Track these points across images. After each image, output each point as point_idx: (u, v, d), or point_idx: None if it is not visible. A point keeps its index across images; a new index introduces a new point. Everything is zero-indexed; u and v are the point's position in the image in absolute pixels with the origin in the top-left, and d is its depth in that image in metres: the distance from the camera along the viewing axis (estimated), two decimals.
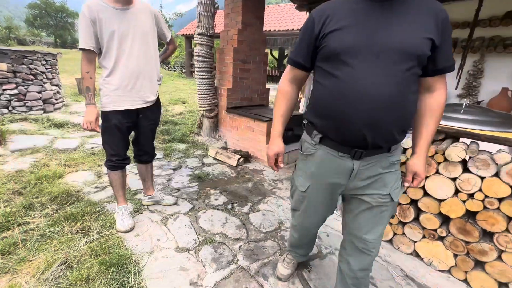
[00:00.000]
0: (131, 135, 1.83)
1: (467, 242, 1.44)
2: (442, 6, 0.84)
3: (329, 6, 0.90)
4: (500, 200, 1.32)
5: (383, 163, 0.95)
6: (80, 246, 1.56)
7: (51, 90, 4.08)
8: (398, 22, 0.82)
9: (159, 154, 3.15)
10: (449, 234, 1.50)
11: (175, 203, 2.15)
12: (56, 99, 4.24)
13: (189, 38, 13.72)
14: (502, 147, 1.42)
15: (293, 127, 3.38)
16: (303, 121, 1.08)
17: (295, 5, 4.91)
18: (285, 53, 16.43)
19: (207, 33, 3.38)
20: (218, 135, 3.93)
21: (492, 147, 1.43)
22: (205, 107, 3.68)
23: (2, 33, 28.53)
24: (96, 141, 3.29)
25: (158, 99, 1.84)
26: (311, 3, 4.65)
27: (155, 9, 1.72)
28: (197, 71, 3.52)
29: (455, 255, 1.50)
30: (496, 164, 1.33)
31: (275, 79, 14.71)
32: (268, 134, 3.10)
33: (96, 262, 1.44)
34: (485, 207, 1.36)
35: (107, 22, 1.50)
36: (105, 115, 1.66)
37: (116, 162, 1.74)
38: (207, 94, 3.62)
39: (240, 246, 1.72)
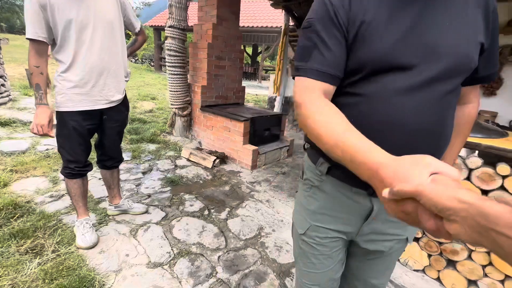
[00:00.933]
0: (93, 137, 1.61)
1: (440, 243, 1.50)
2: None
3: None
4: None
5: None
6: (31, 269, 1.34)
7: None
8: (444, 17, 0.58)
9: (126, 156, 2.89)
10: (424, 235, 1.56)
11: (146, 212, 1.97)
12: (1, 93, 3.69)
13: (158, 29, 13.01)
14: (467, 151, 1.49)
15: (270, 127, 3.33)
16: (304, 145, 0.81)
17: (270, 1, 4.85)
18: (259, 50, 16.37)
19: (180, 26, 3.16)
20: (191, 135, 3.74)
21: (462, 152, 1.50)
22: (177, 105, 3.47)
23: None
24: (52, 142, 2.92)
25: (125, 98, 1.65)
26: (287, 1, 4.62)
27: None
28: (168, 66, 3.29)
29: (429, 255, 1.56)
30: (468, 168, 1.39)
31: (249, 76, 14.60)
32: (245, 134, 3.01)
33: None
34: None
35: (61, 9, 1.28)
36: (61, 116, 1.44)
37: (75, 170, 1.52)
38: (180, 91, 3.41)
39: (219, 257, 1.62)
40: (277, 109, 5.44)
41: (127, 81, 1.63)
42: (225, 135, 3.22)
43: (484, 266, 1.39)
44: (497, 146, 1.37)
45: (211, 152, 3.14)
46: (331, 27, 0.59)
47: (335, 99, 0.65)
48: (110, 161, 1.73)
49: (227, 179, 2.73)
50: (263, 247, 1.76)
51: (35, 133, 1.35)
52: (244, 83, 5.90)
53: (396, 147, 0.56)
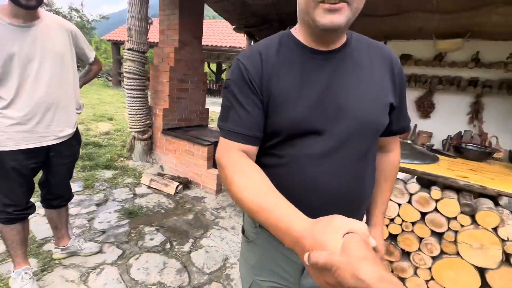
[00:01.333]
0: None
1: (391, 262, 1.64)
2: (392, 52, 0.70)
3: (261, 50, 0.63)
4: (413, 223, 1.55)
5: None
6: None
7: None
8: (353, 82, 0.62)
9: (78, 186, 2.65)
10: None
11: (99, 251, 1.81)
12: None
13: (117, 44, 12.48)
14: (407, 176, 1.70)
15: None
16: None
17: (233, 26, 5.03)
18: (223, 67, 16.63)
19: (139, 49, 3.10)
20: (152, 159, 3.59)
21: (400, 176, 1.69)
22: (137, 128, 3.32)
23: None
24: None
25: (77, 131, 1.55)
26: (248, 27, 4.84)
27: (72, 25, 1.46)
28: (127, 89, 3.17)
29: None
30: (409, 193, 1.57)
31: (214, 92, 14.67)
32: (209, 158, 2.99)
33: None
34: (403, 230, 1.58)
35: (2, 43, 1.18)
36: None
37: (14, 214, 1.36)
38: (140, 114, 3.28)
39: None
40: None
41: (79, 113, 1.54)
42: (188, 159, 3.16)
43: (427, 281, 1.55)
44: (430, 172, 1.57)
45: (173, 178, 3.03)
46: (247, 90, 0.61)
47: (259, 159, 0.67)
48: (57, 200, 1.57)
49: (190, 206, 2.65)
50: (228, 279, 1.72)
51: None
52: (209, 99, 5.90)
53: (316, 210, 0.58)
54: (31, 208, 1.44)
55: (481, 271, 1.35)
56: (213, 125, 5.99)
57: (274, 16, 4.32)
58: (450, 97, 3.53)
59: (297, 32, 0.64)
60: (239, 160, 0.59)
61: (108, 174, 3.05)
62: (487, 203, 1.40)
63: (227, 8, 4.27)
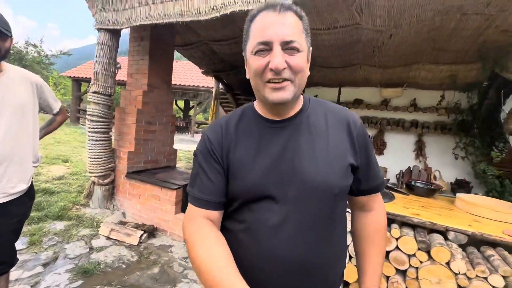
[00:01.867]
0: None
1: None
2: (351, 114, 0.72)
3: (223, 123, 0.72)
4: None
5: None
6: None
7: None
8: (308, 147, 0.65)
9: (20, 243, 2.30)
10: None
11: None
12: None
13: (77, 80, 12.06)
14: None
15: None
16: None
17: (202, 70, 5.28)
18: (191, 105, 16.80)
19: (106, 93, 3.06)
20: (113, 205, 3.32)
21: None
22: (98, 172, 3.11)
23: None
24: None
25: (31, 186, 1.42)
26: (217, 71, 5.13)
27: (38, 77, 1.43)
28: (90, 132, 3.02)
29: None
30: None
31: (181, 129, 14.54)
32: (177, 203, 2.87)
33: None
34: None
35: None
36: None
37: None
38: (102, 157, 3.11)
39: None
40: None
41: (35, 167, 1.43)
42: (155, 205, 2.99)
43: None
44: (389, 211, 1.72)
45: (137, 226, 2.81)
46: (210, 159, 0.68)
47: (224, 223, 0.70)
48: None
49: (156, 257, 2.45)
50: None
51: None
52: (176, 137, 5.80)
53: (274, 280, 0.62)
54: None
55: None
56: (180, 165, 5.85)
57: (241, 63, 4.66)
58: (398, 136, 4.01)
59: (257, 105, 0.73)
60: (200, 228, 0.64)
61: (59, 225, 2.71)
62: (438, 238, 1.55)
63: (196, 54, 4.53)
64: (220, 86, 5.68)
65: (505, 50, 2.65)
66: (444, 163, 3.65)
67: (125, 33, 3.27)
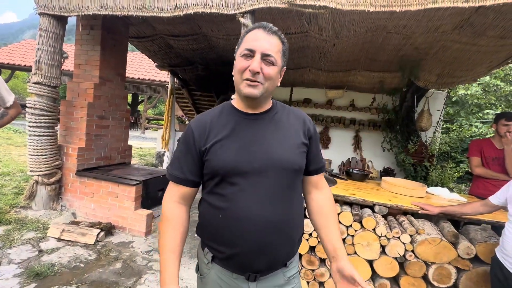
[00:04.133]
0: None
1: (312, 270, 2.00)
2: (306, 115, 0.95)
3: (206, 118, 0.89)
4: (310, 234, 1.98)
5: (280, 281, 0.87)
6: None
7: None
8: (273, 135, 0.84)
9: None
10: (302, 267, 2.03)
11: None
12: None
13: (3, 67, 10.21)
14: None
15: (164, 186, 3.29)
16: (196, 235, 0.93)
17: (156, 64, 5.13)
18: (139, 99, 15.74)
19: (51, 84, 2.81)
20: (61, 206, 3.08)
21: None
22: (41, 171, 2.85)
23: None
24: None
25: None
26: (173, 66, 5.06)
27: None
28: (31, 127, 2.75)
29: (308, 282, 2.02)
30: None
31: (130, 125, 13.54)
32: (137, 199, 2.84)
33: None
34: (318, 242, 1.98)
35: None
36: None
37: None
38: (47, 154, 2.85)
39: None
40: (166, 164, 5.38)
41: None
42: (112, 202, 2.90)
43: None
44: (332, 193, 2.08)
45: (93, 225, 2.70)
46: (189, 147, 0.86)
47: (208, 198, 0.86)
48: None
49: (117, 253, 2.42)
50: None
51: None
52: None
53: (252, 238, 0.78)
54: None
55: (371, 263, 1.85)
56: (134, 162, 5.58)
57: (198, 59, 4.71)
58: (340, 132, 4.61)
59: (235, 101, 0.91)
60: (172, 206, 0.89)
61: None
62: (368, 211, 1.97)
63: (151, 48, 4.40)
64: (175, 81, 5.58)
65: (417, 63, 3.34)
66: (375, 155, 4.35)
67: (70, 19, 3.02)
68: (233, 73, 0.85)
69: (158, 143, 5.78)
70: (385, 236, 1.82)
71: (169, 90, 5.39)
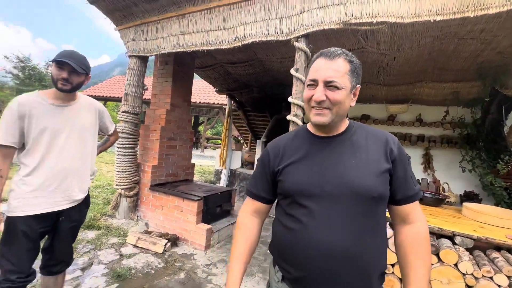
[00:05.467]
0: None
1: None
2: (390, 135, 0.85)
3: (281, 141, 0.94)
4: (392, 265, 1.78)
5: None
6: None
7: None
8: (349, 158, 0.80)
9: None
10: None
11: None
12: None
13: (98, 99, 12.66)
14: None
15: (221, 203, 3.48)
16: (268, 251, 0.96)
17: (216, 88, 5.61)
18: (200, 120, 17.29)
19: (134, 111, 3.37)
20: (137, 216, 3.53)
21: None
22: (124, 185, 3.35)
23: None
24: None
25: (87, 195, 1.66)
26: (230, 90, 5.46)
27: (100, 104, 1.71)
28: (118, 148, 3.30)
29: None
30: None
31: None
32: (198, 213, 3.06)
33: None
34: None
35: (38, 119, 1.38)
36: (12, 222, 1.36)
37: (17, 282, 1.35)
38: (129, 171, 3.36)
39: None
40: (223, 181, 5.68)
41: (92, 179, 1.68)
42: (177, 215, 3.19)
43: None
44: None
45: (161, 235, 3.01)
46: (264, 167, 0.94)
47: (280, 218, 0.88)
48: (59, 265, 1.57)
49: (181, 264, 2.62)
50: None
51: None
52: None
53: (321, 265, 0.74)
54: (32, 275, 1.43)
55: None
56: (195, 178, 6.07)
57: (254, 82, 5.00)
58: (406, 150, 4.16)
59: (309, 126, 0.93)
60: (245, 217, 0.99)
61: (91, 234, 2.93)
62: (446, 242, 1.70)
63: (212, 75, 4.87)
64: (232, 103, 6.00)
65: (503, 69, 2.86)
66: (453, 176, 3.76)
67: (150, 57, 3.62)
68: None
69: (216, 161, 6.18)
70: (472, 274, 1.53)
71: (226, 112, 5.81)
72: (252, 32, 2.38)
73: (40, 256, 1.52)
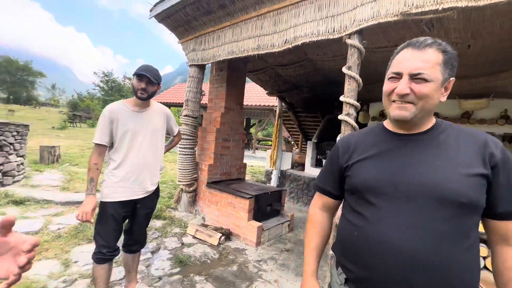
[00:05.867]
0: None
1: None
2: (491, 137, 0.73)
3: (353, 137, 0.90)
4: None
5: None
6: None
7: (15, 161, 3.78)
8: (433, 159, 0.71)
9: None
10: None
11: None
12: (18, 171, 3.89)
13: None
14: None
15: (272, 202, 3.56)
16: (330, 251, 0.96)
17: (267, 91, 5.74)
18: (251, 122, 17.82)
19: (193, 115, 3.72)
20: (195, 210, 3.88)
21: None
22: (185, 181, 3.73)
23: None
24: (63, 221, 3.00)
25: (157, 188, 1.92)
26: (281, 92, 5.51)
27: (168, 109, 1.98)
28: (181, 148, 3.70)
29: None
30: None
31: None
32: (250, 211, 3.20)
33: None
34: None
35: (123, 122, 1.68)
36: (103, 206, 1.68)
37: (107, 255, 1.66)
38: (188, 169, 3.73)
39: None
40: (273, 181, 5.77)
41: (160, 173, 1.94)
42: (230, 211, 3.39)
43: None
44: None
45: (216, 229, 3.24)
46: (332, 162, 0.93)
47: (346, 215, 0.86)
48: (136, 245, 1.87)
49: (233, 257, 2.79)
50: None
51: (79, 219, 1.55)
52: None
53: (394, 270, 0.67)
54: (117, 251, 1.74)
55: None
56: (247, 178, 6.32)
57: (304, 83, 4.96)
58: None
59: (387, 122, 0.86)
60: (315, 212, 1.01)
61: (158, 223, 3.36)
62: None
63: (263, 78, 5.01)
64: (283, 105, 6.05)
65: None
66: None
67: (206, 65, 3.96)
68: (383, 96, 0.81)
69: (266, 162, 6.32)
70: None
71: (277, 113, 5.89)
72: (302, 33, 2.40)
73: (122, 237, 1.84)
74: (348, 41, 2.10)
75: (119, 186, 1.68)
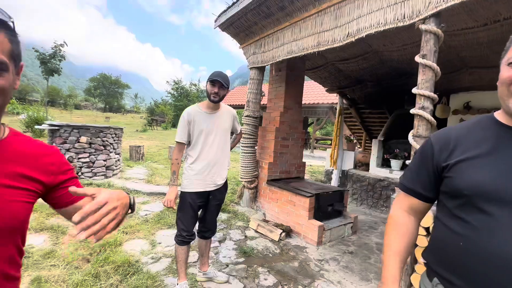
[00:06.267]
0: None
1: None
2: None
3: (453, 131, 0.76)
4: None
5: None
6: None
7: (114, 158, 4.68)
8: None
9: None
10: None
11: (227, 281, 2.18)
12: (116, 166, 4.80)
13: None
14: None
15: (333, 202, 3.45)
16: (422, 260, 0.85)
17: (326, 88, 5.57)
18: (309, 121, 17.44)
19: (254, 115, 3.91)
20: (256, 206, 4.06)
21: None
22: (247, 178, 3.95)
23: (65, 99, 35.15)
24: (149, 208, 3.56)
25: (226, 181, 2.12)
26: (341, 88, 5.27)
27: (234, 111, 2.16)
28: (243, 146, 3.93)
29: None
30: None
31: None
32: (310, 209, 3.19)
33: None
34: None
35: (199, 123, 1.91)
36: (183, 195, 1.94)
37: (186, 238, 1.92)
38: (250, 166, 3.93)
39: None
40: (334, 181, 5.55)
41: (228, 169, 2.13)
42: (290, 209, 3.44)
43: None
44: None
45: (277, 225, 3.34)
46: (424, 160, 0.79)
47: (447, 222, 0.73)
48: (208, 232, 2.11)
49: (294, 254, 2.82)
50: None
51: (165, 205, 1.85)
52: None
53: (497, 283, 0.59)
54: (194, 235, 1.99)
55: None
56: (306, 177, 6.26)
57: (368, 77, 4.63)
58: None
59: (500, 114, 0.73)
60: (398, 214, 0.87)
61: (224, 216, 3.65)
62: None
63: (322, 75, 4.89)
64: (343, 101, 5.76)
65: None
66: None
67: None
68: (497, 84, 0.70)
69: (326, 161, 6.12)
70: None
71: (337, 111, 5.65)
72: (367, 24, 2.27)
73: (197, 225, 2.09)
74: (422, 26, 1.90)
75: (196, 179, 1.92)
